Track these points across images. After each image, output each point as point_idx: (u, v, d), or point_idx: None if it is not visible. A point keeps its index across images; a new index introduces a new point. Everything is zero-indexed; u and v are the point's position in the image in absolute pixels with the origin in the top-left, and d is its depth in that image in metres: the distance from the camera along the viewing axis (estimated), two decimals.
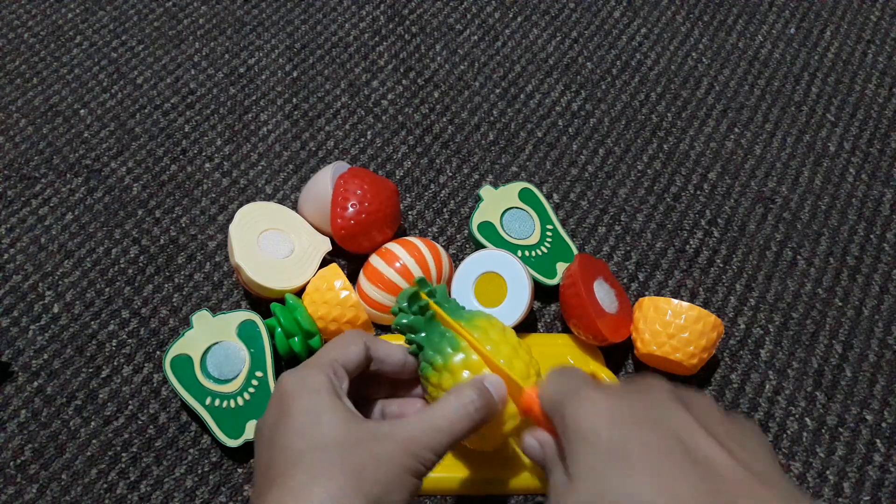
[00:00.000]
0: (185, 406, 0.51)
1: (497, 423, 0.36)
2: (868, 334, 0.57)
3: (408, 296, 0.38)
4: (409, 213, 0.62)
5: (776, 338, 0.57)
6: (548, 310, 0.57)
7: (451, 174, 0.64)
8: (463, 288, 0.52)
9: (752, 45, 0.76)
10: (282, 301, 0.52)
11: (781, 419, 0.53)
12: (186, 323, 0.55)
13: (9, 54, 0.70)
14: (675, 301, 0.50)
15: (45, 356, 0.54)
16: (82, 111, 0.67)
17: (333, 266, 0.52)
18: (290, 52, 0.72)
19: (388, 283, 0.52)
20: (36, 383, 0.52)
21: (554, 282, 0.55)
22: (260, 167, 0.64)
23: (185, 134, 0.66)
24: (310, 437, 0.31)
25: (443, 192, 0.63)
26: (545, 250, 0.57)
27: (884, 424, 0.53)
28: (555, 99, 0.70)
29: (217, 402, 0.49)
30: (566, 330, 0.56)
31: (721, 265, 0.60)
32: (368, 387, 0.39)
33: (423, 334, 0.38)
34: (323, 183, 0.55)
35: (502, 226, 0.57)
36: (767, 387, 0.55)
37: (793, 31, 0.77)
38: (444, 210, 0.62)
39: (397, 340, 0.40)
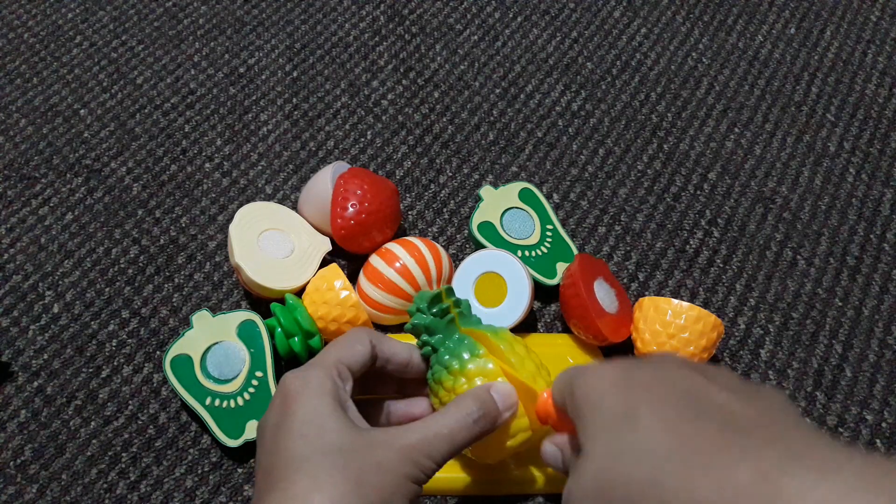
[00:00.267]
0: (185, 406, 0.51)
1: (503, 434, 0.36)
2: (868, 334, 0.57)
3: (429, 297, 0.37)
4: (409, 213, 0.62)
5: (776, 338, 0.57)
6: (548, 310, 0.57)
7: (451, 174, 0.64)
8: (463, 288, 0.52)
9: (752, 45, 0.76)
10: (282, 301, 0.52)
11: None
12: (186, 323, 0.55)
13: (9, 54, 0.70)
14: (676, 301, 0.50)
15: (45, 356, 0.54)
16: (82, 111, 0.67)
17: (333, 266, 0.52)
18: (290, 52, 0.72)
19: (388, 283, 0.52)
20: (36, 383, 0.52)
21: (554, 282, 0.55)
22: (260, 167, 0.64)
23: (185, 134, 0.66)
24: (312, 442, 0.31)
25: (443, 192, 0.63)
26: (545, 250, 0.57)
27: (884, 424, 0.53)
28: (555, 99, 0.70)
29: (217, 402, 0.49)
30: (566, 330, 0.56)
31: (721, 265, 0.60)
32: (374, 384, 0.39)
33: (439, 336, 0.37)
34: (323, 183, 0.55)
35: (502, 226, 0.57)
36: None
37: (793, 31, 0.77)
38: (444, 210, 0.62)
39: (405, 341, 0.40)
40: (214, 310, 0.56)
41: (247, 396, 0.49)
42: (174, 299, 0.56)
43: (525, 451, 0.38)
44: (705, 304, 0.58)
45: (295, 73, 0.70)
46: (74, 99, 0.67)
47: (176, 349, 0.49)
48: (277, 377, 0.50)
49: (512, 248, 0.56)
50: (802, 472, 0.21)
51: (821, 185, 0.66)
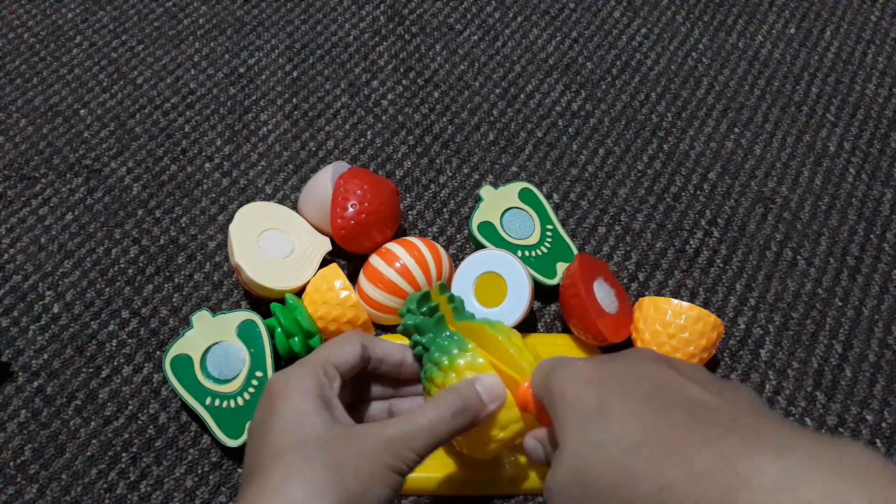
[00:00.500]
0: (185, 406, 0.51)
1: (491, 425, 0.36)
2: (868, 334, 0.57)
3: (417, 298, 0.38)
4: (409, 213, 0.62)
5: (776, 338, 0.57)
6: (548, 310, 0.57)
7: (451, 174, 0.64)
8: (463, 288, 0.52)
9: (752, 45, 0.76)
10: (282, 301, 0.52)
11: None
12: (186, 323, 0.55)
13: (9, 54, 0.70)
14: (676, 301, 0.50)
15: (45, 356, 0.54)
16: (82, 111, 0.67)
17: (333, 266, 0.52)
18: (290, 52, 0.72)
19: (388, 283, 0.52)
20: (36, 383, 0.52)
21: (554, 282, 0.55)
22: (260, 167, 0.64)
23: (185, 134, 0.66)
24: (291, 435, 0.32)
25: (443, 192, 0.63)
26: (545, 250, 0.57)
27: (884, 424, 0.53)
28: (555, 99, 0.70)
29: (217, 402, 0.49)
30: (566, 330, 0.56)
31: (721, 265, 0.60)
32: (370, 386, 0.39)
33: (430, 335, 0.38)
34: (323, 183, 0.55)
35: (502, 226, 0.57)
36: (767, 387, 0.55)
37: (793, 31, 0.77)
38: (444, 210, 0.62)
39: (398, 341, 0.40)
40: (214, 310, 0.56)
41: (247, 396, 0.49)
42: (174, 299, 0.56)
43: (521, 449, 0.38)
44: (705, 304, 0.58)
45: (295, 73, 0.70)
46: (74, 99, 0.67)
47: (176, 349, 0.49)
48: None
49: (512, 248, 0.56)
50: (759, 455, 0.22)
51: (821, 185, 0.66)
